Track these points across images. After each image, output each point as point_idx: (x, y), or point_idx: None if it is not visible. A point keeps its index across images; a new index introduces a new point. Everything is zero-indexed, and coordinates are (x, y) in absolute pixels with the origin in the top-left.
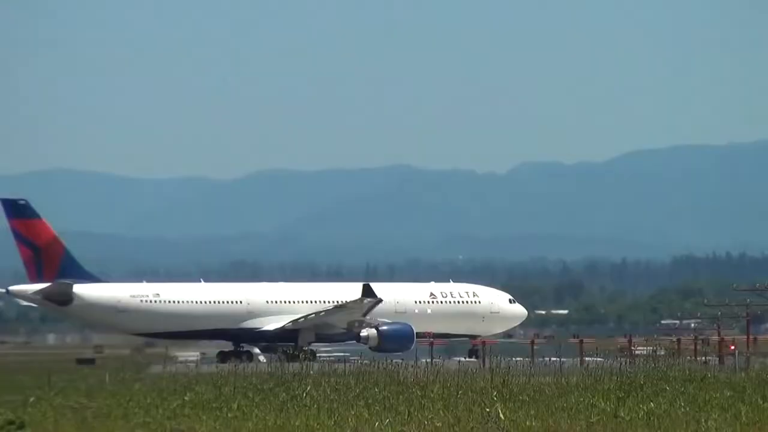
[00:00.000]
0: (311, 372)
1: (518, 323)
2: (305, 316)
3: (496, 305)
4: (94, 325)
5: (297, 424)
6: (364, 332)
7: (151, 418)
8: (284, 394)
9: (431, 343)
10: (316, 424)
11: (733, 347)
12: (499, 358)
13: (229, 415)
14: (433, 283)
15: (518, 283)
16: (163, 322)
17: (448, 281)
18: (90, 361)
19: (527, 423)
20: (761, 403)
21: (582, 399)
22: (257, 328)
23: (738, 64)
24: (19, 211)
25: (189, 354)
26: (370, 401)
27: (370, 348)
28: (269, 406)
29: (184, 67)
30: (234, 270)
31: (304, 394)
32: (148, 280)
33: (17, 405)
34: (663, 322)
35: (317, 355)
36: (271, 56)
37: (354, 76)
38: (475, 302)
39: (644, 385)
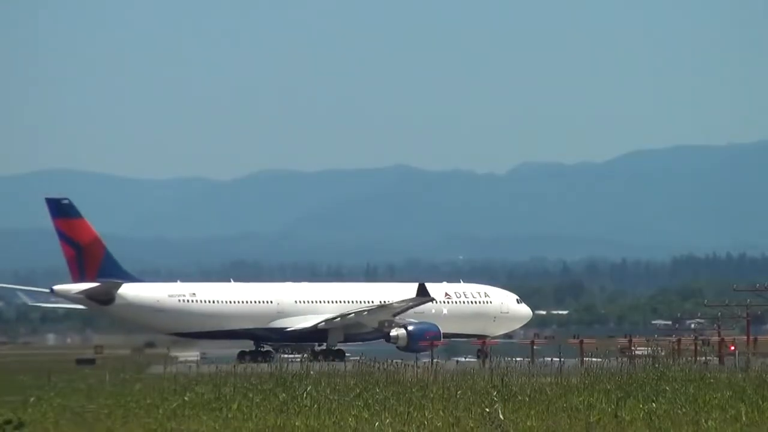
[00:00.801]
0: (311, 372)
1: (524, 323)
2: (344, 315)
3: (505, 305)
4: (133, 325)
5: (297, 424)
6: (393, 332)
7: (152, 419)
8: (284, 394)
9: (431, 344)
10: (316, 425)
11: (733, 347)
12: (499, 358)
13: (229, 415)
14: (445, 283)
15: (518, 283)
16: (199, 322)
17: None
18: (90, 362)
19: (527, 423)
20: (761, 403)
21: (582, 399)
22: (286, 328)
23: (738, 64)
24: (63, 211)
25: (189, 354)
26: (370, 401)
27: (398, 347)
28: (269, 407)
29: (184, 67)
30: (234, 270)
31: (304, 395)
32: (182, 280)
33: (17, 405)
34: (654, 322)
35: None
36: (271, 56)
37: (354, 76)
38: (487, 302)
39: (644, 385)
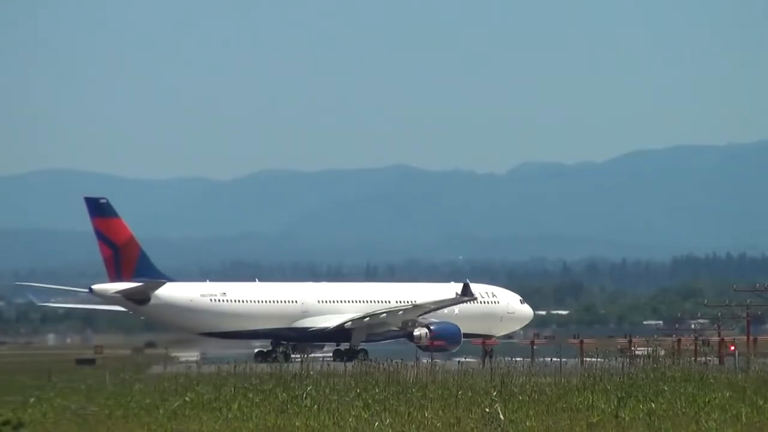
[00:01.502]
0: (311, 372)
1: (527, 323)
2: (375, 314)
3: (511, 306)
4: (167, 325)
5: (297, 424)
6: (416, 331)
7: (152, 419)
8: (284, 394)
9: (431, 343)
10: (316, 425)
11: (733, 348)
12: (499, 358)
13: (230, 415)
14: (453, 283)
15: (518, 283)
16: (229, 322)
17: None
18: (90, 362)
19: (527, 423)
20: (761, 403)
21: (582, 399)
22: (309, 328)
23: (738, 64)
24: (101, 210)
25: (189, 354)
26: (370, 402)
27: (419, 347)
28: (269, 407)
29: (184, 67)
30: (234, 270)
31: (305, 395)
32: (212, 280)
33: (17, 405)
34: (646, 322)
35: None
36: (271, 56)
37: (354, 76)
38: (495, 302)
39: (644, 385)
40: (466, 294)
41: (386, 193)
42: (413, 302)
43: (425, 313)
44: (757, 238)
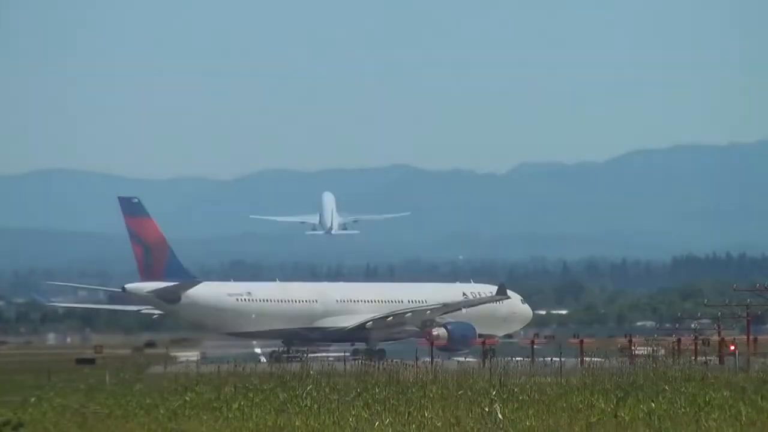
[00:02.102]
0: (311, 372)
1: (527, 323)
2: (400, 313)
3: (513, 306)
4: (195, 324)
5: (297, 424)
6: (435, 331)
7: (152, 419)
8: (284, 394)
9: (431, 343)
10: (316, 425)
11: (733, 347)
12: (499, 358)
13: (230, 415)
14: (458, 283)
15: (518, 283)
16: (254, 322)
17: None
18: (90, 361)
19: (527, 423)
20: (761, 403)
21: (582, 399)
22: (329, 327)
23: (738, 64)
24: (133, 210)
25: (189, 354)
26: (370, 401)
27: (438, 348)
28: (269, 407)
29: (184, 67)
30: (234, 270)
31: (305, 395)
32: (235, 280)
33: (17, 405)
34: (639, 323)
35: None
36: (271, 56)
37: (354, 76)
38: (499, 302)
39: (644, 385)
40: (502, 294)
41: (386, 193)
42: (425, 301)
43: (445, 312)
44: (757, 238)
